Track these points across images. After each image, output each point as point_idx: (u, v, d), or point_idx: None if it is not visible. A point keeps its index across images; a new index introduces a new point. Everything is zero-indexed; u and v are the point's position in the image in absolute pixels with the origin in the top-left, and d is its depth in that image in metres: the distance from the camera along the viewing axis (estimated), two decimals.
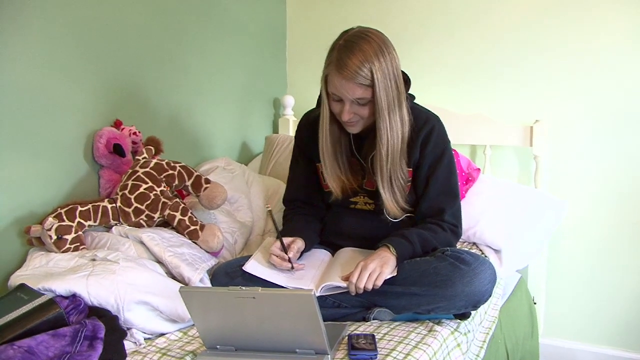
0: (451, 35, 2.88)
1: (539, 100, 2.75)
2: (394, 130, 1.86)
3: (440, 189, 1.96)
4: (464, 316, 1.83)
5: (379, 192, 1.92)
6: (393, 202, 1.91)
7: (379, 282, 1.75)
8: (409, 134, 1.92)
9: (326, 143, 1.94)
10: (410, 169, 1.96)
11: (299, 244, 1.94)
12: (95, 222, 1.99)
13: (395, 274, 1.79)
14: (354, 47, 1.78)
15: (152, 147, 2.21)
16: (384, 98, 1.81)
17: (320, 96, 1.97)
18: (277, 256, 1.88)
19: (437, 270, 1.79)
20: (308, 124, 2.10)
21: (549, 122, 2.70)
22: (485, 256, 2.36)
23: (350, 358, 1.54)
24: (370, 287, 1.75)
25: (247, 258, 1.94)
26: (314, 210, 2.12)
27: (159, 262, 1.93)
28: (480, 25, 2.82)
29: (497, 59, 2.81)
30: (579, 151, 2.72)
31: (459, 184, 2.46)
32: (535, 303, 2.67)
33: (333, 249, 2.08)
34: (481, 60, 2.84)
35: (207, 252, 2.08)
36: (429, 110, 2.01)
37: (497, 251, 2.46)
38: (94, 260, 1.82)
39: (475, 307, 1.81)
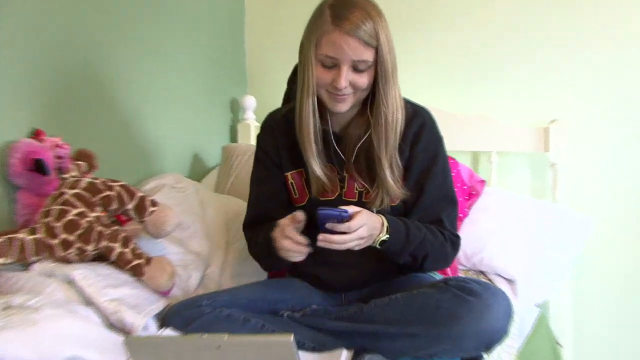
0: (449, 23, 2.93)
1: (556, 97, 2.79)
2: (397, 100, 1.91)
3: (436, 196, 1.99)
4: None
5: (374, 172, 1.93)
6: (393, 181, 1.93)
7: (341, 247, 1.78)
8: (402, 124, 1.96)
9: (307, 120, 1.94)
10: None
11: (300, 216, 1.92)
12: (9, 258, 1.92)
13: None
14: (351, 3, 1.83)
15: (83, 163, 2.17)
16: (389, 61, 1.85)
17: (289, 90, 2.07)
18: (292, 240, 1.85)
19: (439, 303, 1.77)
20: (275, 123, 2.12)
21: (569, 122, 2.73)
22: None
23: (318, 213, 1.70)
24: (336, 245, 1.77)
25: (206, 297, 1.93)
26: None
27: (94, 306, 1.89)
28: (484, 10, 2.88)
29: (504, 49, 2.85)
30: (606, 157, 2.77)
31: (461, 199, 2.48)
32: (560, 345, 2.67)
33: (310, 282, 2.08)
34: (485, 50, 2.89)
35: (155, 291, 2.05)
36: (417, 104, 2.05)
37: (510, 281, 2.49)
38: (8, 308, 1.76)
39: (488, 349, 1.80)
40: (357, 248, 1.80)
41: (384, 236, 1.83)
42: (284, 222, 1.86)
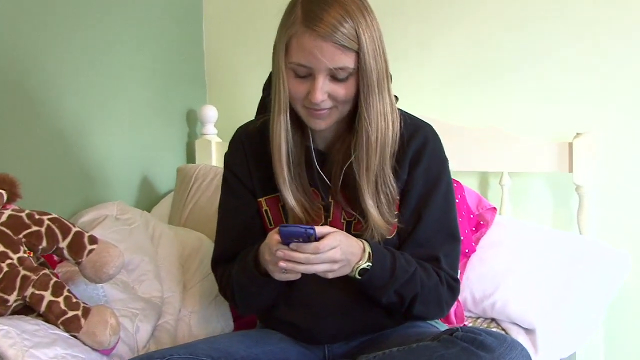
0: (455, 17, 2.94)
1: (582, 105, 2.79)
2: (385, 115, 1.89)
3: (434, 228, 1.99)
4: None
5: (359, 201, 1.92)
6: (377, 213, 1.92)
7: (307, 269, 1.77)
8: (396, 143, 1.95)
9: (279, 141, 1.93)
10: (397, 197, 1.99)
11: None
12: None
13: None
14: None
15: (3, 191, 2.11)
16: (373, 68, 1.83)
17: (263, 97, 2.06)
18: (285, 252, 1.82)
19: None
20: (246, 139, 2.11)
21: (597, 136, 2.72)
22: None
23: (280, 230, 1.71)
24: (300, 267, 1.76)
25: (158, 354, 1.86)
26: None
27: None
28: (493, 3, 2.88)
29: (519, 48, 2.86)
30: None
31: (467, 230, 2.64)
32: None
33: (286, 332, 2.06)
34: (496, 50, 2.89)
35: (95, 349, 1.98)
36: (418, 118, 2.05)
37: (528, 331, 2.47)
38: None
39: None
40: (330, 275, 1.79)
41: (365, 264, 1.82)
42: (272, 243, 1.81)
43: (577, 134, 2.68)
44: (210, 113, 3.14)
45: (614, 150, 2.75)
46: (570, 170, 2.69)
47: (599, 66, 2.74)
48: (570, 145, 2.68)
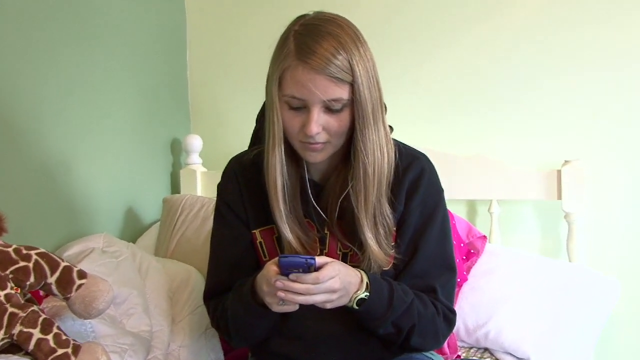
0: (442, 44, 2.94)
1: (570, 134, 2.80)
2: (381, 146, 1.87)
3: (431, 260, 1.97)
4: None
5: (357, 233, 1.90)
6: (376, 244, 1.90)
7: (306, 300, 1.75)
8: (391, 173, 1.94)
9: (274, 174, 1.91)
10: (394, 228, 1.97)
11: None
12: None
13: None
14: (321, 30, 1.79)
15: None
16: (368, 99, 1.81)
17: (257, 128, 2.09)
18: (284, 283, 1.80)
19: None
20: (240, 170, 2.09)
21: (586, 163, 2.71)
22: None
23: (279, 261, 1.70)
24: (299, 298, 1.74)
25: None
26: None
27: None
28: (481, 28, 2.89)
29: (507, 75, 2.86)
30: (632, 205, 2.77)
31: (458, 260, 2.52)
32: None
33: None
34: (483, 77, 2.89)
35: None
36: (413, 148, 2.04)
37: None
38: None
39: None
40: (329, 306, 1.76)
41: (363, 294, 1.79)
42: (270, 274, 1.78)
43: (565, 161, 2.68)
44: (194, 142, 3.13)
45: (602, 177, 2.75)
46: (559, 197, 2.69)
47: (586, 94, 2.74)
48: (559, 172, 2.68)
